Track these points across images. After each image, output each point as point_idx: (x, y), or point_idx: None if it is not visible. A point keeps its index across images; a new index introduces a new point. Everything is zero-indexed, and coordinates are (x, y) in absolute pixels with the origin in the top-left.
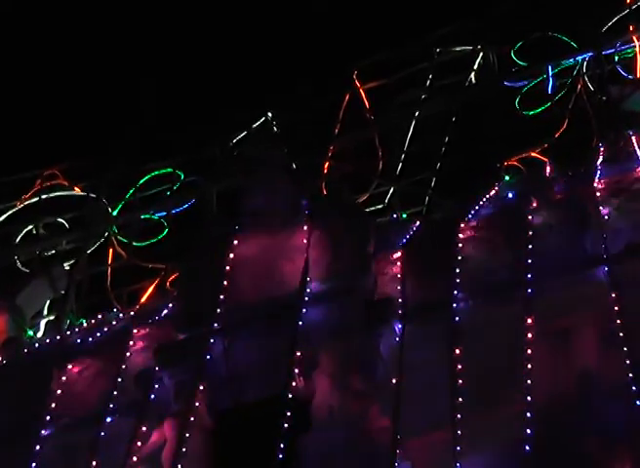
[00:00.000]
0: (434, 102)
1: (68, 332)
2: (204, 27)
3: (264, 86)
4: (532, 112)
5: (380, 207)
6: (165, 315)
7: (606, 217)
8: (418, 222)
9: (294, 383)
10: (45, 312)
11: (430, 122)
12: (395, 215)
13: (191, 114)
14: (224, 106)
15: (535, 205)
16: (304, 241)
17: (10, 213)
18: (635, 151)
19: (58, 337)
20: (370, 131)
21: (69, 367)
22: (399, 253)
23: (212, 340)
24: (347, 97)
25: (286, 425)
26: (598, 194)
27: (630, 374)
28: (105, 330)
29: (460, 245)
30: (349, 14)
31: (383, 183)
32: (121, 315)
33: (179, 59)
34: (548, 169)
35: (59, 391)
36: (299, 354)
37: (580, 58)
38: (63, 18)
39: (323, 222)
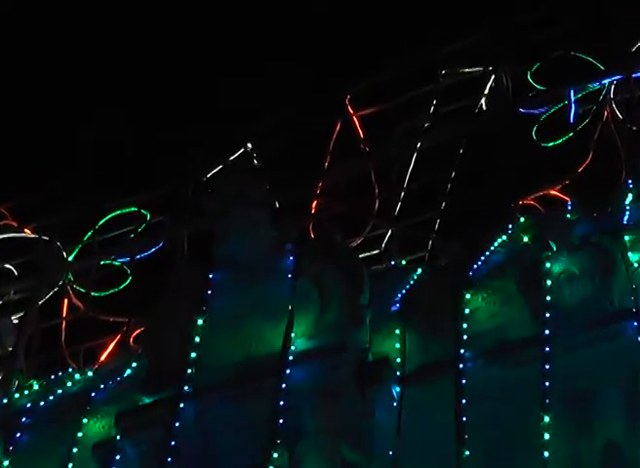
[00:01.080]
0: (439, 132)
1: (17, 395)
2: (178, 47)
3: (244, 112)
4: (551, 143)
5: (376, 252)
6: (128, 376)
7: (635, 265)
8: (419, 270)
9: (275, 455)
10: None
11: (434, 154)
12: (393, 262)
13: (160, 144)
14: (197, 135)
15: (554, 250)
16: (289, 291)
17: None
18: None
19: (4, 401)
20: (365, 164)
21: (18, 435)
22: (397, 306)
23: (182, 405)
24: (339, 126)
25: None
26: (627, 238)
27: None
28: (59, 392)
29: (469, 296)
30: (340, 30)
31: (380, 225)
32: (77, 375)
33: (146, 81)
34: (570, 209)
35: (6, 462)
36: (281, 421)
37: (606, 81)
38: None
39: (310, 270)
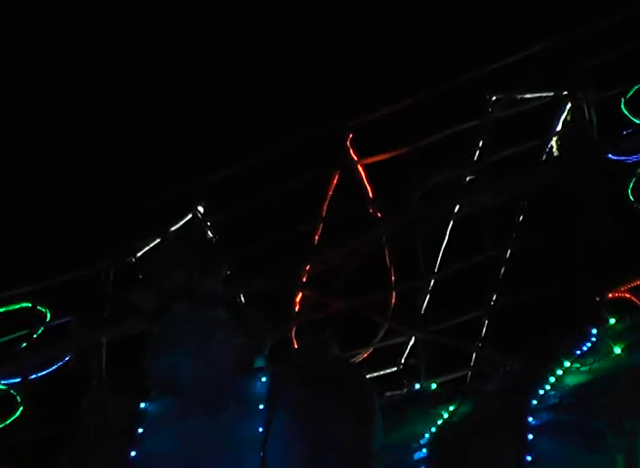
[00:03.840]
0: (486, 189)
1: None
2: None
3: (192, 160)
4: None
5: (392, 370)
6: None
7: None
8: (457, 399)
9: None
10: None
11: (480, 223)
12: (418, 386)
13: (67, 210)
14: (123, 192)
15: None
16: (260, 429)
17: None
18: None
19: None
20: (373, 236)
21: None
22: (423, 453)
23: None
24: (336, 179)
25: None
26: None
27: None
28: None
29: (531, 437)
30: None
31: (398, 330)
32: None
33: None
34: None
35: None
36: None
37: None
38: None
39: (293, 398)
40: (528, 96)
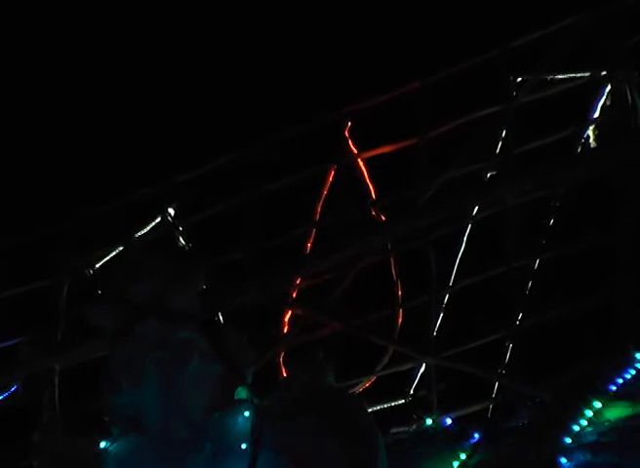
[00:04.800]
0: (509, 187)
1: None
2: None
3: (163, 155)
4: None
5: (399, 403)
6: None
7: None
8: (475, 435)
9: None
10: None
11: (500, 227)
12: (429, 421)
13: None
14: (80, 194)
15: None
16: None
17: None
18: None
19: None
20: (376, 242)
21: None
22: None
23: None
24: (332, 175)
25: None
26: None
27: None
28: None
29: None
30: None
31: (405, 353)
32: None
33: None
34: None
35: None
36: None
37: None
38: None
39: (279, 436)
40: (559, 77)
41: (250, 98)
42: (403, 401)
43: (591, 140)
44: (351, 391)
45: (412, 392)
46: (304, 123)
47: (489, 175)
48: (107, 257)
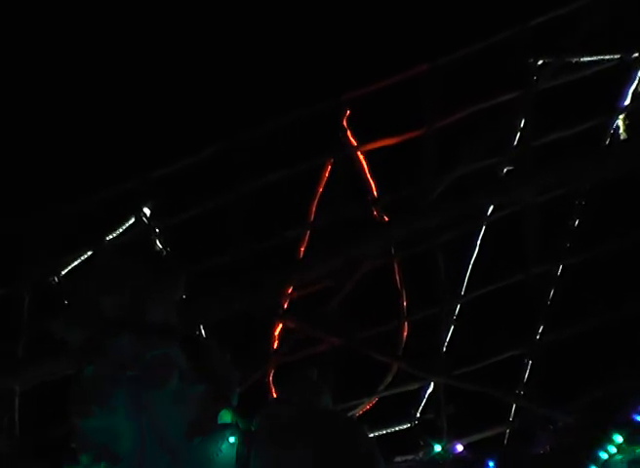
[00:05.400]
0: (528, 184)
1: None
2: None
3: (138, 147)
4: None
5: (403, 427)
6: None
7: None
8: (490, 463)
9: None
10: None
11: (518, 229)
12: (438, 448)
13: None
14: (45, 193)
15: None
16: None
17: None
18: None
19: None
20: (379, 246)
21: None
22: None
23: None
24: (329, 170)
25: None
26: None
27: None
28: None
29: None
30: None
31: (411, 373)
32: None
33: None
34: None
35: None
36: None
37: None
38: None
39: (269, 464)
40: (585, 59)
41: (236, 84)
42: (408, 425)
43: (621, 131)
44: (350, 414)
45: (418, 415)
46: (298, 111)
47: (505, 170)
48: (75, 263)
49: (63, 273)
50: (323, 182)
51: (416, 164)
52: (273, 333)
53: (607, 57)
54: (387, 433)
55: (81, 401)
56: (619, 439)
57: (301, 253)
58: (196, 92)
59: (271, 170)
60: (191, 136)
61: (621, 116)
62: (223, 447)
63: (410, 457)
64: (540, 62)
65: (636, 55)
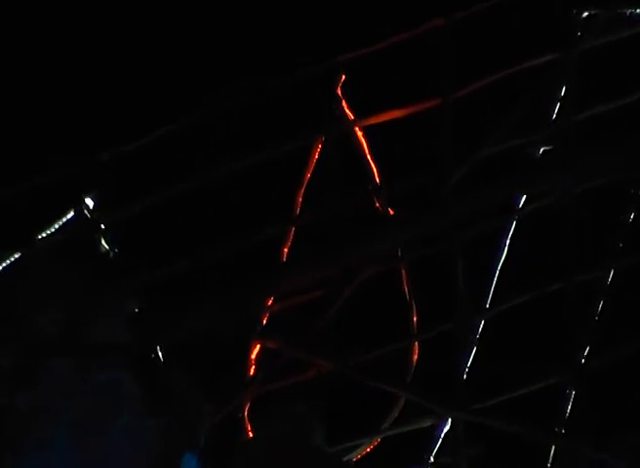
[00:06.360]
0: (569, 169)
1: None
2: None
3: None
4: None
5: None
6: None
7: None
8: None
9: None
10: None
11: (556, 226)
12: None
13: None
14: None
15: None
16: None
17: None
18: None
19: None
20: (382, 246)
21: None
22: None
23: None
24: (318, 151)
25: None
26: None
27: None
28: None
29: None
30: None
31: (423, 406)
32: None
33: None
34: None
35: None
36: None
37: None
38: None
39: None
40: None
41: (205, 43)
42: None
43: None
44: (347, 458)
45: (432, 459)
46: (281, 77)
47: (541, 151)
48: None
49: None
50: (312, 166)
51: (429, 143)
52: (249, 357)
53: None
54: None
55: (12, 437)
56: None
57: (285, 256)
58: (158, 50)
59: (248, 151)
60: (149, 108)
61: None
62: None
63: None
64: (586, 15)
65: None
